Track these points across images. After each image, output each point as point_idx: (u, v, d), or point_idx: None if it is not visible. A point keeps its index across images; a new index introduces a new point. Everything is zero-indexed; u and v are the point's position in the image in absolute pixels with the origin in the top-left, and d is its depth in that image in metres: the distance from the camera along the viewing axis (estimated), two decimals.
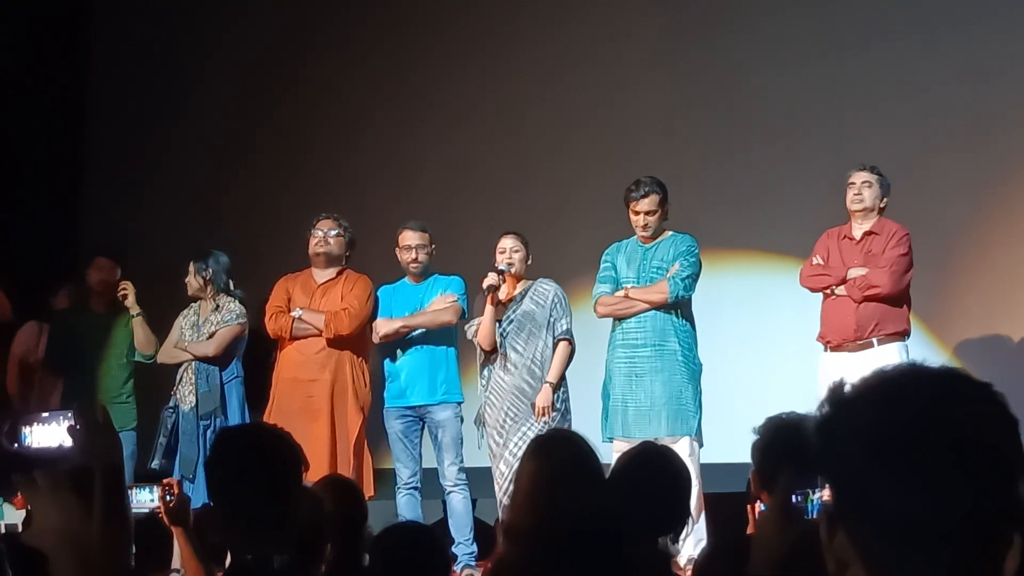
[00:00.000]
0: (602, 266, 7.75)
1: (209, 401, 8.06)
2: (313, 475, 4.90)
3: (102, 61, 11.01)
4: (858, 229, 7.54)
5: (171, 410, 8.08)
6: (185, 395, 8.10)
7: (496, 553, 2.89)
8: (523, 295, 7.79)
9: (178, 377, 8.16)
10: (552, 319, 7.73)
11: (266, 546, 3.05)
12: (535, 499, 3.84)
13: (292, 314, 8.06)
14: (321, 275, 8.19)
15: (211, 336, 8.16)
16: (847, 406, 1.53)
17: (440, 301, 8.05)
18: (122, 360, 8.61)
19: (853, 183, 7.56)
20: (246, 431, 3.74)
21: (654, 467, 4.02)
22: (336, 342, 8.00)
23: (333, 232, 8.15)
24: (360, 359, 8.11)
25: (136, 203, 10.59)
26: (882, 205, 7.54)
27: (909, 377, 1.55)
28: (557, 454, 4.06)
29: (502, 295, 7.75)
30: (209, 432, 7.99)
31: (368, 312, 8.09)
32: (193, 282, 8.28)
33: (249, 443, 3.32)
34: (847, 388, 1.54)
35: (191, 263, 8.30)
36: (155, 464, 7.83)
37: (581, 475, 3.91)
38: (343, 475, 6.89)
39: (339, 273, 8.20)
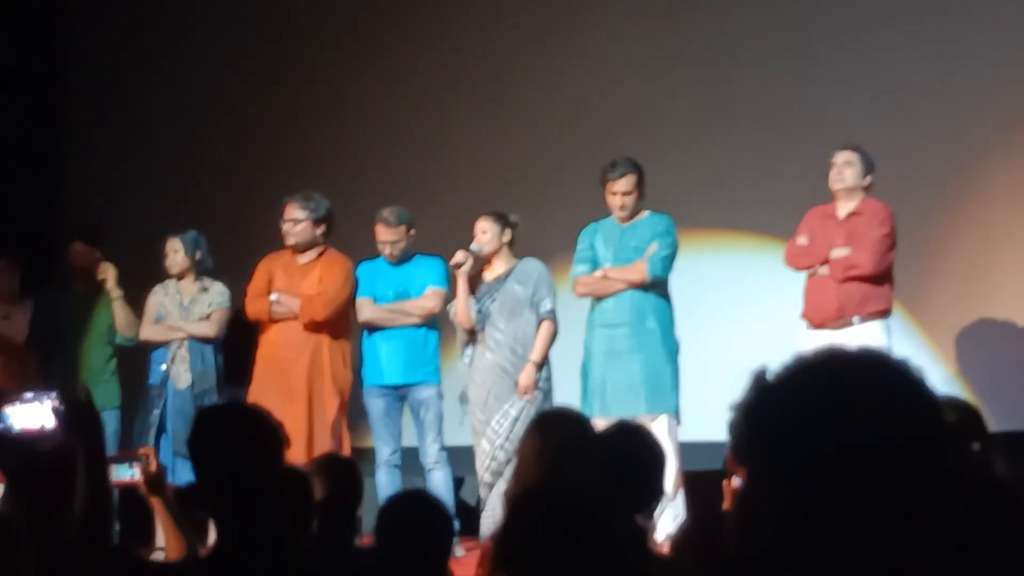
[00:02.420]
0: (579, 246, 7.79)
1: (205, 380, 8.11)
2: (290, 457, 4.97)
3: (81, 40, 10.98)
4: (842, 208, 7.57)
5: (159, 388, 8.11)
6: (180, 373, 8.13)
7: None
8: (507, 274, 7.83)
9: (170, 356, 8.16)
10: (536, 298, 7.77)
11: (250, 523, 3.09)
12: (540, 473, 3.90)
13: (270, 298, 8.07)
14: (303, 256, 8.18)
15: (207, 317, 8.19)
16: (769, 393, 1.54)
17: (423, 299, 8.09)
18: (104, 339, 8.60)
19: (835, 163, 7.59)
20: (225, 410, 3.78)
21: (628, 445, 4.08)
22: (313, 326, 8.02)
23: (298, 218, 8.06)
24: (340, 341, 8.11)
25: (114, 180, 10.57)
26: (865, 184, 7.58)
27: (829, 363, 1.56)
28: (560, 430, 4.14)
29: (489, 276, 7.78)
30: None
31: (345, 296, 8.08)
32: (182, 260, 8.28)
33: (228, 421, 3.36)
34: (769, 374, 1.56)
35: (174, 239, 8.29)
36: (149, 442, 7.84)
37: (582, 451, 3.97)
38: (340, 455, 6.93)
39: (320, 254, 8.19)
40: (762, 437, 1.53)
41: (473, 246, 7.81)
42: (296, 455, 7.17)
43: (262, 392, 7.76)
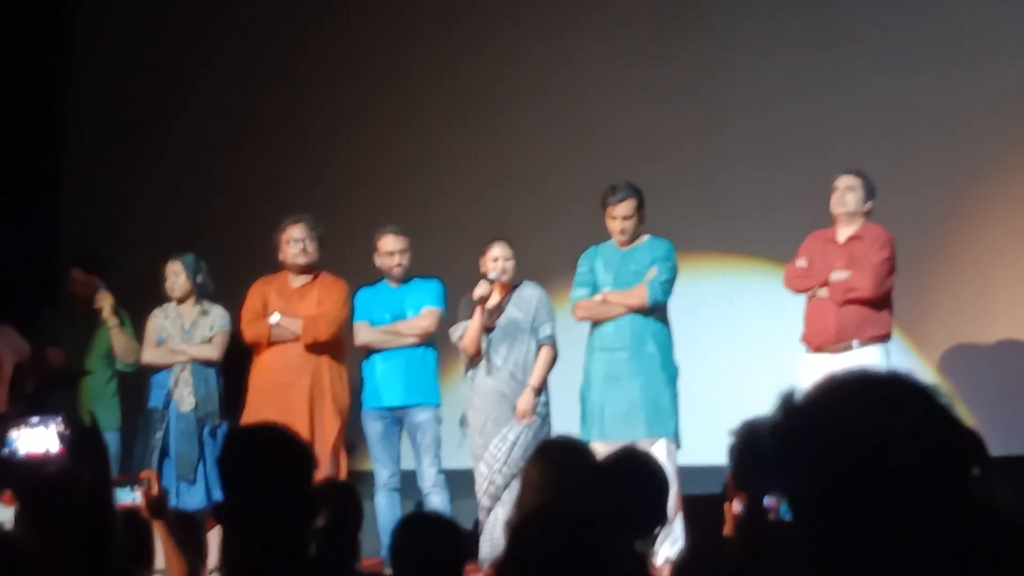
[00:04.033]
0: (579, 270, 7.80)
1: (208, 403, 8.10)
2: None
3: (81, 64, 11.01)
4: (842, 233, 7.59)
5: (161, 412, 8.09)
6: (184, 396, 8.12)
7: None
8: (507, 300, 7.82)
9: (173, 379, 8.15)
10: (535, 324, 7.75)
11: (277, 543, 3.12)
12: (542, 501, 3.92)
13: (269, 320, 8.07)
14: (297, 279, 8.19)
15: (209, 340, 8.20)
16: (799, 415, 1.56)
17: (418, 318, 8.10)
18: (105, 361, 8.60)
19: (837, 187, 7.62)
20: (256, 429, 3.80)
21: (633, 470, 4.09)
22: (314, 347, 8.03)
23: (308, 238, 8.15)
24: (339, 363, 8.12)
25: (117, 204, 10.59)
26: (866, 209, 7.60)
27: (858, 384, 1.58)
28: (562, 458, 4.16)
29: (492, 303, 7.75)
30: (206, 433, 8.02)
31: (345, 316, 8.11)
32: (183, 283, 8.26)
33: (259, 441, 3.38)
34: (797, 395, 1.58)
35: (174, 262, 8.28)
36: (152, 466, 7.83)
37: (584, 478, 3.99)
38: (340, 479, 6.94)
39: (315, 277, 8.21)
40: (790, 458, 1.55)
41: (492, 274, 7.75)
42: None
43: (262, 415, 7.71)
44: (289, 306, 8.09)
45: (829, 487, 1.51)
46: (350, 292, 8.18)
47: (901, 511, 1.49)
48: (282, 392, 7.95)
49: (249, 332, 8.09)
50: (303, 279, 8.17)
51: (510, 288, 7.82)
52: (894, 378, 1.59)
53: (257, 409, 7.88)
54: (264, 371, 8.07)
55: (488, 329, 7.73)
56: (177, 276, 8.28)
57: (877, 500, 1.49)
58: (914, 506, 1.49)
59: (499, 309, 7.79)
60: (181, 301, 8.30)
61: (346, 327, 8.16)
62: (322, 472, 7.70)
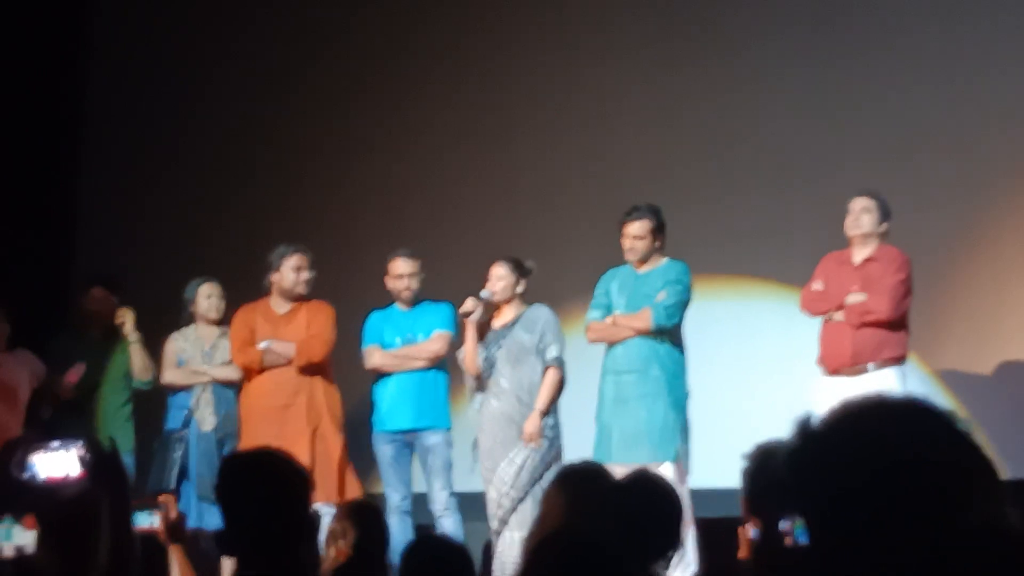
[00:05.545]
0: (596, 292, 7.82)
1: (228, 423, 8.15)
2: None
3: (97, 87, 11.07)
4: (858, 254, 7.59)
5: (181, 432, 8.14)
6: (205, 416, 8.17)
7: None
8: (515, 321, 7.85)
9: (194, 399, 8.20)
10: (541, 345, 7.77)
11: (278, 568, 3.13)
12: (562, 526, 3.94)
13: (259, 347, 8.08)
14: (283, 305, 8.21)
15: (230, 361, 8.23)
16: (816, 439, 1.57)
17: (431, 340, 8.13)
18: (120, 384, 8.62)
19: (852, 209, 7.62)
20: (251, 456, 3.82)
21: (645, 493, 4.10)
22: (307, 369, 8.05)
23: (309, 268, 8.18)
24: (331, 385, 8.15)
25: (130, 229, 10.63)
26: (881, 231, 7.59)
27: (875, 410, 1.59)
28: (583, 485, 4.17)
29: (476, 316, 7.78)
30: (225, 453, 8.05)
31: (334, 339, 8.14)
32: (220, 305, 8.34)
33: (255, 467, 3.40)
34: (814, 420, 1.59)
35: (211, 284, 8.34)
36: (171, 485, 7.87)
37: (605, 506, 4.00)
38: (367, 501, 6.97)
39: (300, 302, 8.23)
40: (806, 484, 1.56)
41: (484, 292, 7.81)
42: None
43: (260, 439, 7.67)
44: (277, 331, 8.12)
45: (847, 512, 1.52)
46: (336, 315, 8.20)
47: (919, 536, 1.50)
48: (279, 415, 7.98)
49: (241, 359, 8.11)
50: (288, 305, 8.20)
51: (507, 305, 7.84)
52: (911, 403, 1.60)
53: (255, 433, 7.87)
54: (258, 395, 8.09)
55: (488, 345, 7.76)
56: (212, 299, 8.34)
57: (895, 525, 1.50)
58: (932, 531, 1.50)
59: (505, 328, 7.81)
60: (217, 323, 8.35)
61: (337, 350, 8.17)
62: (330, 489, 7.74)
